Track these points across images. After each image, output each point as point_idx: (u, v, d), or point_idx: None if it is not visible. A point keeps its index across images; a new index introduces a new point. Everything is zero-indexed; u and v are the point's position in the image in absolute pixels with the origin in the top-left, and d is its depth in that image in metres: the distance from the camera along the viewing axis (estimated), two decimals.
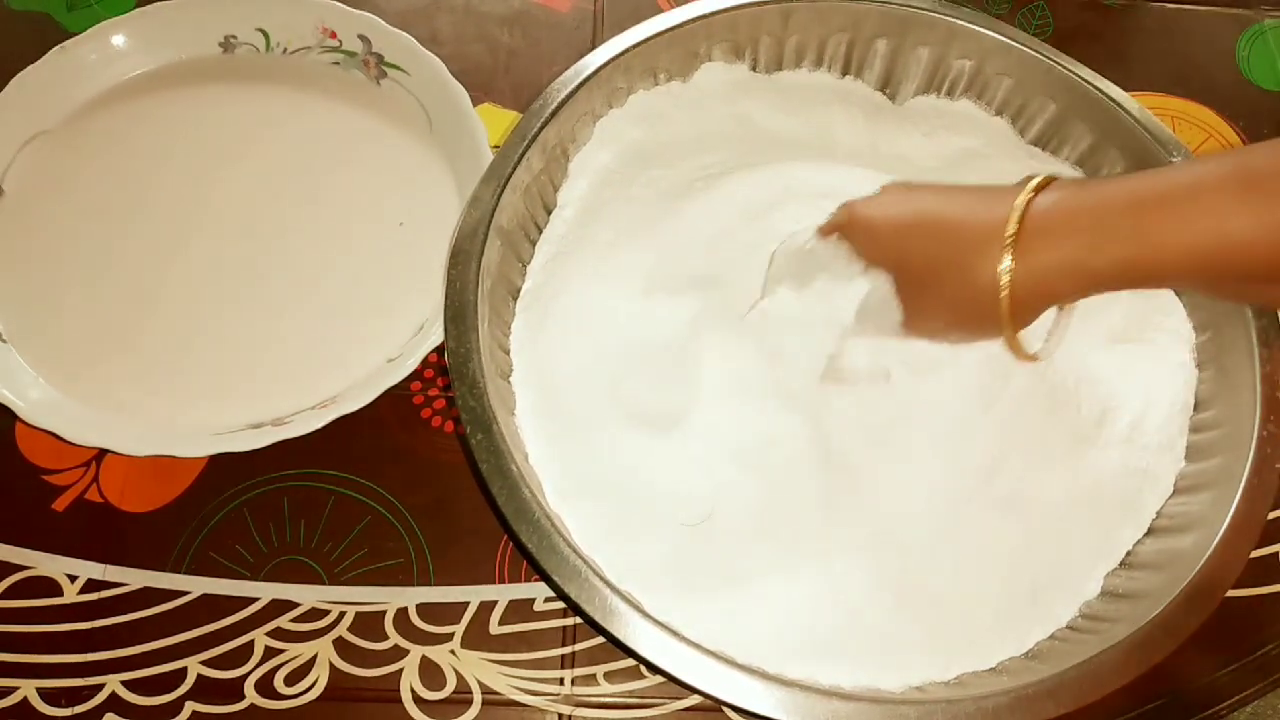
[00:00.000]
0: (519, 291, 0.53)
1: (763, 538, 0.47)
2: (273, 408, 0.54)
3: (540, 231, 0.55)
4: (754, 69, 0.60)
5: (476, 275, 0.48)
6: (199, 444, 0.51)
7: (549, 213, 0.55)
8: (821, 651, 0.45)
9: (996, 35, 0.57)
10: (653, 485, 0.48)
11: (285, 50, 0.64)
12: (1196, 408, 0.51)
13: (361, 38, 0.62)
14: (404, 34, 0.61)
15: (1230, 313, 0.50)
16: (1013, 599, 0.47)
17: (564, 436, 0.49)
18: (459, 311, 0.47)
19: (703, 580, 0.46)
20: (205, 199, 0.60)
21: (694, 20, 0.56)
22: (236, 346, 0.56)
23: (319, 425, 0.51)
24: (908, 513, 0.48)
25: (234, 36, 0.63)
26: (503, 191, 0.50)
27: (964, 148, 0.60)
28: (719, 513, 0.47)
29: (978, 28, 0.57)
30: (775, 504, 0.47)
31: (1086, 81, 0.56)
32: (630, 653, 0.41)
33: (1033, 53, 0.57)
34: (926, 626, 0.46)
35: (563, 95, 0.53)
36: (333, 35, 0.63)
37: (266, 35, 0.63)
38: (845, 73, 0.61)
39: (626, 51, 0.54)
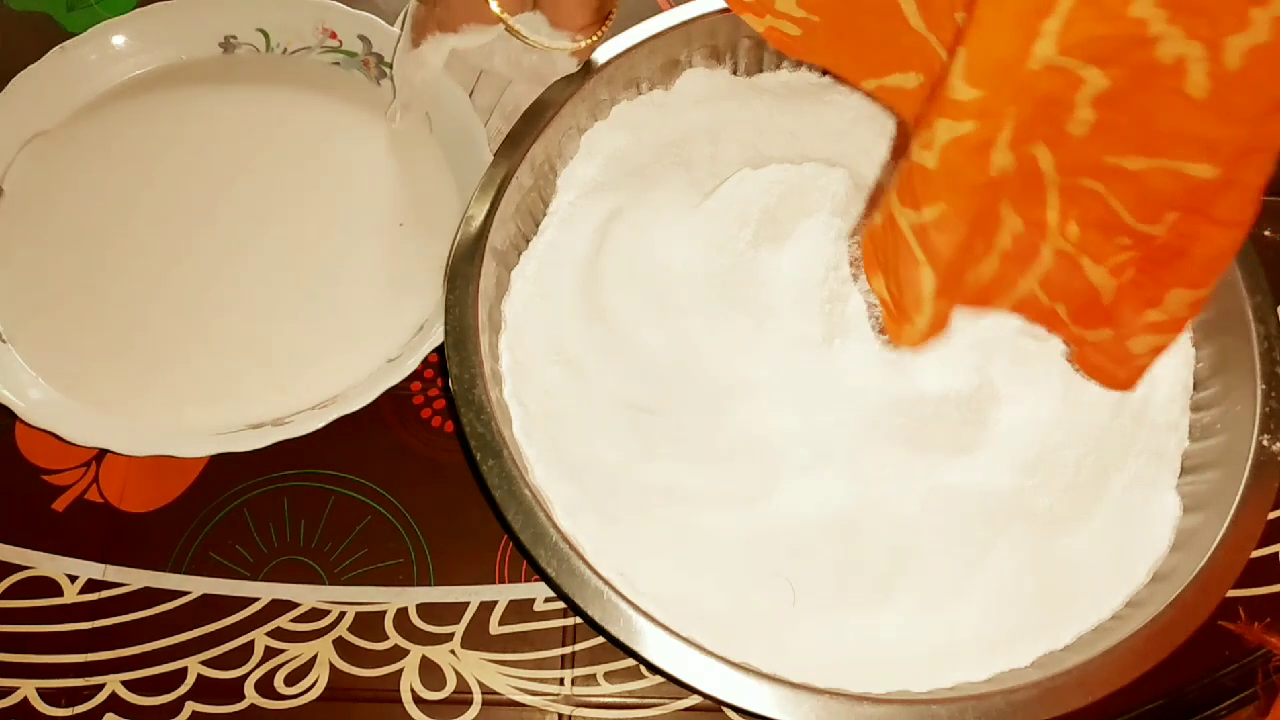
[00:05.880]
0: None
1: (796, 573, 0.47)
2: (273, 408, 0.54)
3: None
4: (734, 73, 0.59)
5: (475, 299, 0.48)
6: (199, 444, 0.51)
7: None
8: (857, 667, 0.44)
9: None
10: (663, 509, 0.48)
11: (285, 50, 0.64)
12: (1196, 386, 0.52)
13: (361, 38, 0.62)
14: None
15: (1223, 290, 0.50)
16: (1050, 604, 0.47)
17: (560, 455, 0.48)
18: (460, 338, 0.47)
19: (739, 624, 0.46)
20: (205, 199, 0.59)
21: (674, 28, 0.55)
22: (236, 346, 0.56)
23: (319, 425, 0.51)
24: (941, 529, 0.48)
25: (234, 37, 0.63)
26: (494, 211, 0.50)
27: None
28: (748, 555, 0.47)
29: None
30: (800, 543, 0.47)
31: None
32: (659, 672, 0.41)
33: None
34: (944, 642, 0.46)
35: (547, 114, 0.52)
36: (333, 35, 0.63)
37: (266, 35, 0.63)
38: (825, 71, 0.60)
39: (609, 63, 0.54)
